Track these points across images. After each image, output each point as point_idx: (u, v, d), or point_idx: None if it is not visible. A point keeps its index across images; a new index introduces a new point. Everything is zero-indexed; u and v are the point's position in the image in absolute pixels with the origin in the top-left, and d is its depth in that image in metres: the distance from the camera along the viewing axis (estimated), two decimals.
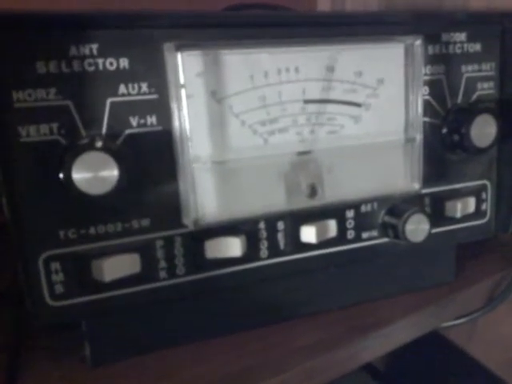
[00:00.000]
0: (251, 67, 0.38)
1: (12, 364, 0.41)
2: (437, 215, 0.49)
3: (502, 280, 0.57)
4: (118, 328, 0.42)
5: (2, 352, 0.42)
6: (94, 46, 0.34)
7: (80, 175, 0.33)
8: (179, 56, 0.35)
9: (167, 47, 0.36)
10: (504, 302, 0.57)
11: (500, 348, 0.72)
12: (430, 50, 0.45)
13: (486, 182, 0.51)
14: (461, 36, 0.46)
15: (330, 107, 0.42)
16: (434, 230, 0.48)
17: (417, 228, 0.45)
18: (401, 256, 0.50)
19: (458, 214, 0.50)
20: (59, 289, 0.37)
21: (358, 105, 0.43)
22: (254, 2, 0.62)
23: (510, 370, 0.71)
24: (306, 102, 0.41)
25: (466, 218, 0.51)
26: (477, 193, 0.51)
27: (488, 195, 0.52)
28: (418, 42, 0.43)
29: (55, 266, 0.36)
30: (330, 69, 0.41)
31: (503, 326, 0.70)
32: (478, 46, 0.47)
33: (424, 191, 0.47)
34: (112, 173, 0.34)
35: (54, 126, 0.34)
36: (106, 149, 0.34)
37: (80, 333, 0.41)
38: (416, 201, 0.47)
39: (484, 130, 0.46)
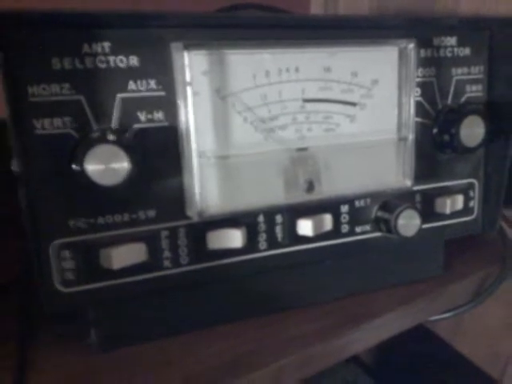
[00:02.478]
0: (254, 67, 0.40)
1: (21, 349, 0.42)
2: (427, 211, 0.50)
3: (488, 275, 0.58)
4: (122, 316, 0.43)
5: (11, 340, 0.44)
6: (106, 44, 0.36)
7: (93, 166, 0.35)
8: (186, 55, 0.36)
9: (175, 46, 0.37)
10: (490, 297, 0.58)
11: (485, 342, 0.73)
12: (422, 53, 0.46)
13: (473, 180, 0.52)
14: (451, 40, 0.48)
15: (328, 106, 0.43)
16: (424, 226, 0.49)
17: (408, 223, 0.47)
18: (392, 250, 0.51)
19: (447, 211, 0.51)
20: (69, 276, 0.38)
21: (353, 104, 0.44)
22: (249, 2, 0.63)
23: (495, 364, 0.73)
24: (305, 100, 0.42)
25: (455, 214, 0.52)
26: (465, 190, 0.52)
27: (475, 193, 0.53)
28: (411, 46, 0.44)
29: (65, 253, 0.38)
30: (328, 69, 0.42)
31: (488, 320, 0.71)
32: (467, 51, 0.49)
33: (415, 188, 0.48)
34: (123, 165, 0.35)
35: (67, 119, 0.35)
36: (117, 142, 0.35)
37: (85, 321, 0.43)
38: (407, 197, 0.49)
39: (473, 131, 0.48)
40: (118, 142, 0.35)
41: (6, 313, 0.47)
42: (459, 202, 0.52)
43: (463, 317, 0.72)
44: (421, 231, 0.48)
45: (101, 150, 0.35)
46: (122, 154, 0.35)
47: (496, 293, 0.58)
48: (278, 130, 0.42)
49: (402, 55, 0.45)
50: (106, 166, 0.35)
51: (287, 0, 0.71)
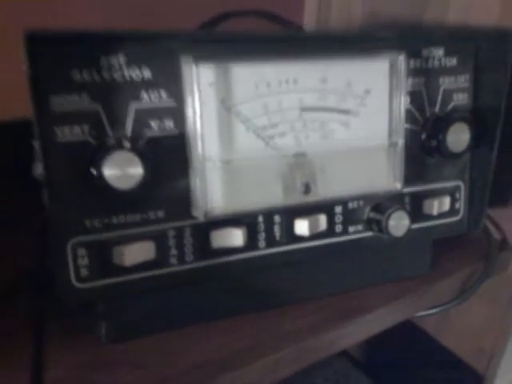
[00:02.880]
0: (256, 79, 0.42)
1: (37, 341, 0.44)
2: (416, 212, 0.52)
3: (473, 273, 0.61)
4: (130, 310, 0.45)
5: (25, 333, 0.45)
6: (122, 58, 0.38)
7: (110, 172, 0.37)
8: (195, 68, 0.39)
9: (184, 60, 0.39)
10: (475, 294, 0.60)
11: (470, 337, 0.75)
12: (412, 64, 0.48)
13: (459, 183, 0.55)
14: (439, 51, 0.49)
15: (323, 114, 0.45)
16: (413, 226, 0.51)
17: (398, 223, 0.49)
18: (383, 249, 0.53)
19: (435, 212, 0.53)
20: (84, 272, 0.40)
21: (347, 112, 0.46)
22: (243, 9, 0.64)
23: (480, 359, 0.75)
24: (303, 109, 0.44)
25: (442, 215, 0.54)
26: (451, 192, 0.54)
27: (461, 195, 0.55)
28: (402, 57, 0.46)
29: (81, 251, 0.40)
30: (324, 80, 0.45)
31: (473, 316, 0.73)
32: (454, 61, 0.51)
33: (405, 190, 0.50)
34: (137, 170, 0.38)
35: (85, 127, 0.38)
36: (132, 149, 0.38)
37: (95, 315, 0.45)
38: (398, 199, 0.51)
39: (459, 137, 0.50)
40: (133, 149, 0.38)
41: (11, 313, 0.49)
42: (446, 203, 0.54)
43: (449, 313, 0.74)
44: (410, 231, 0.50)
45: (118, 156, 0.37)
46: (136, 160, 0.38)
47: (480, 290, 0.60)
48: (277, 137, 0.44)
49: (393, 67, 0.46)
50: (122, 171, 0.37)
51: (281, 7, 0.72)
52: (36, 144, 0.37)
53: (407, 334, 0.83)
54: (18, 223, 0.59)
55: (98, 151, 0.38)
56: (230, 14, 0.63)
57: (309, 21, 0.93)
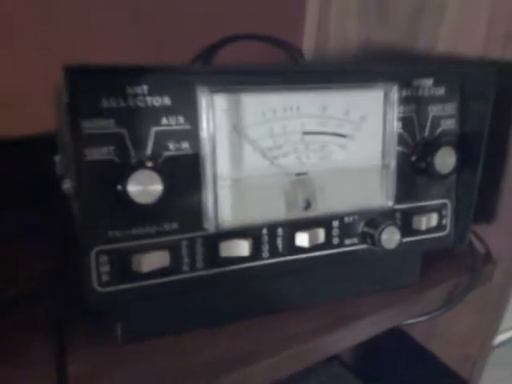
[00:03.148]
0: (263, 106, 0.46)
1: (60, 339, 0.47)
2: (406, 227, 0.55)
3: (460, 283, 0.64)
4: (144, 313, 0.48)
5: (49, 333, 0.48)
6: (145, 87, 0.42)
7: (134, 188, 0.41)
8: (210, 97, 0.43)
9: (200, 89, 0.44)
10: (461, 303, 0.63)
11: (457, 345, 0.78)
12: (404, 93, 0.52)
13: (446, 201, 0.58)
14: (428, 82, 0.53)
15: (323, 138, 0.49)
16: (403, 240, 0.53)
17: (390, 237, 0.52)
18: (376, 260, 0.56)
19: (423, 227, 0.56)
20: (105, 277, 0.43)
21: (345, 136, 0.50)
22: (243, 33, 0.67)
23: (465, 365, 0.78)
24: (305, 133, 0.48)
25: (430, 230, 0.57)
26: (439, 210, 0.58)
27: (448, 212, 0.58)
28: (395, 88, 0.50)
29: (103, 258, 0.43)
30: (324, 108, 0.48)
31: (460, 324, 0.77)
32: (442, 90, 0.54)
33: (396, 207, 0.54)
34: (157, 187, 0.42)
35: (111, 148, 0.41)
36: (153, 167, 0.42)
37: (112, 317, 0.49)
38: (389, 215, 0.54)
39: (446, 160, 0.53)
40: (154, 168, 0.42)
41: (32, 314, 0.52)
42: (434, 219, 0.57)
43: (436, 321, 0.77)
44: (400, 245, 0.53)
45: (140, 174, 0.41)
46: (156, 177, 0.42)
47: (466, 299, 0.64)
48: (281, 158, 0.48)
49: (387, 96, 0.50)
50: (144, 187, 0.41)
51: (281, 31, 0.74)
52: (58, 159, 0.41)
53: (396, 341, 0.86)
54: (41, 233, 0.63)
55: (123, 169, 0.42)
56: (234, 37, 0.67)
57: (308, 44, 0.96)
